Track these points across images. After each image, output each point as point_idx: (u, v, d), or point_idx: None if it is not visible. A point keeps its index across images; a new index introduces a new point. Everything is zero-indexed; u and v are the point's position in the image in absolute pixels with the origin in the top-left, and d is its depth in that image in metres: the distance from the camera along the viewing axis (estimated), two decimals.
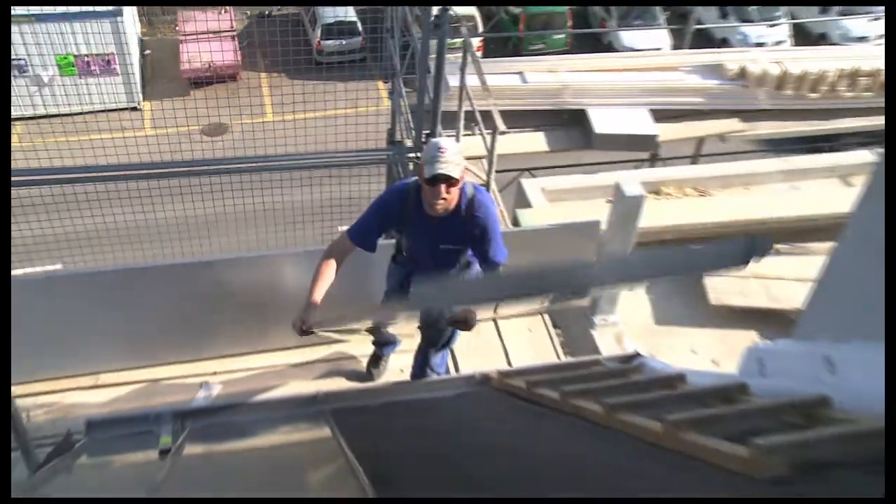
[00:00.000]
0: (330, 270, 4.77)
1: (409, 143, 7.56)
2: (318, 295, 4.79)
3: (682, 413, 2.97)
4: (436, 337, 5.60)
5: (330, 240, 5.24)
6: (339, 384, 6.15)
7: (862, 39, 22.35)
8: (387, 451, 3.75)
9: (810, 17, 24.41)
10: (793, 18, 24.22)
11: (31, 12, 16.84)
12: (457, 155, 4.52)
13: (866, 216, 3.92)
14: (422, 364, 5.75)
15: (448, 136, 7.40)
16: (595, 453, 2.93)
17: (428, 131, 7.02)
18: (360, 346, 6.37)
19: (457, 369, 6.20)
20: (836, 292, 4.18)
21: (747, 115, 16.03)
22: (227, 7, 23.35)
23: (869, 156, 12.19)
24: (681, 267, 1.92)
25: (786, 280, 10.08)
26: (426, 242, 4.98)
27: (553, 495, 2.89)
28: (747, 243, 1.80)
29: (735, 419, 2.99)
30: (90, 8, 19.34)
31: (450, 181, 4.51)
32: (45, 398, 6.33)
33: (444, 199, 4.56)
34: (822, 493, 2.15)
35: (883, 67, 15.92)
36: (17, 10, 17.43)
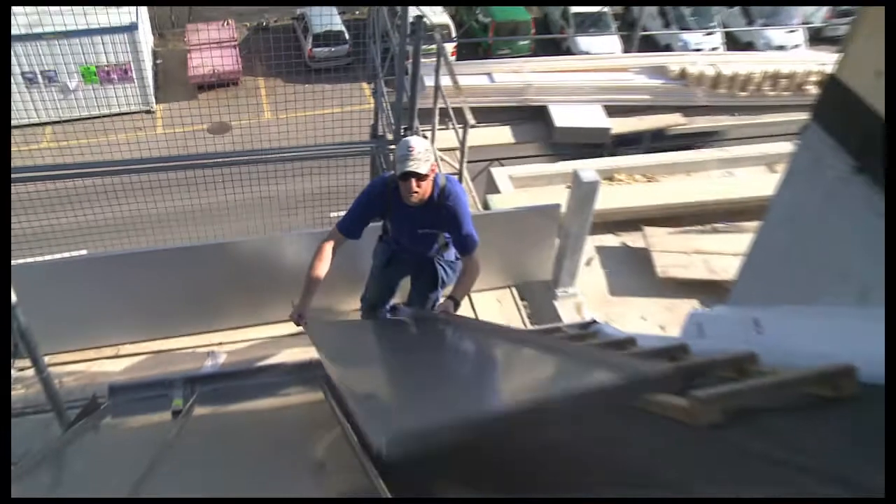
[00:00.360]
0: (324, 265, 4.77)
1: (389, 136, 7.55)
2: (312, 291, 4.81)
3: None
4: (423, 302, 5.60)
5: (321, 224, 5.25)
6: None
7: (781, 48, 22.99)
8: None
9: (739, 27, 24.91)
10: (725, 27, 24.65)
11: (57, 29, 16.80)
12: (426, 152, 4.51)
13: (785, 198, 3.96)
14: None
15: (424, 130, 7.39)
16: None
17: (406, 125, 7.01)
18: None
19: None
20: (761, 264, 4.22)
21: (687, 110, 16.25)
22: (229, 20, 23.26)
23: (790, 146, 12.28)
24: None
25: (723, 254, 10.14)
26: (406, 227, 4.99)
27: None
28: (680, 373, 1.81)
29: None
30: (110, 24, 19.31)
31: (419, 177, 4.50)
32: (73, 367, 6.32)
33: (416, 192, 4.56)
34: (750, 435, 2.16)
35: (798, 70, 16.33)
36: (47, 28, 17.40)
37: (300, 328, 4.82)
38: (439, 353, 4.00)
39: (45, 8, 16.21)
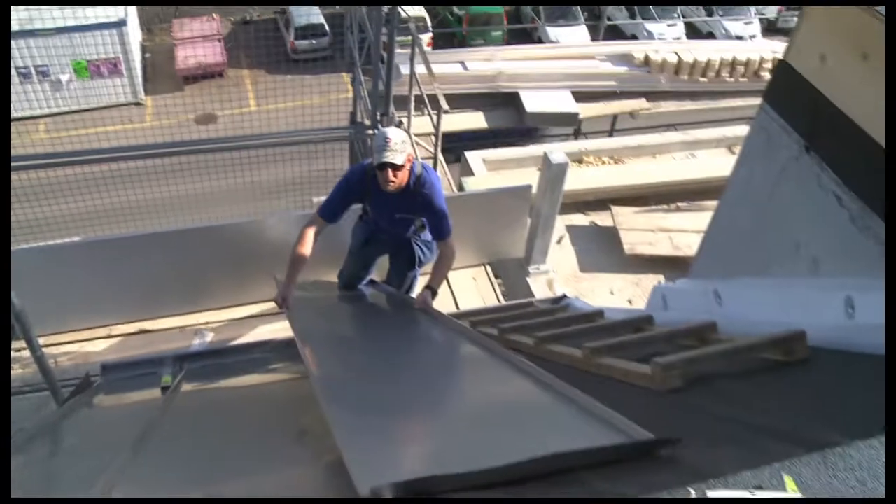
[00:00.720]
0: (306, 250, 4.74)
1: (367, 122, 7.51)
2: (295, 275, 4.78)
3: (598, 341, 2.99)
4: (397, 287, 5.59)
5: (302, 208, 5.21)
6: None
7: (739, 38, 23.21)
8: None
9: (700, 17, 25.13)
10: (686, 18, 24.85)
11: (48, 26, 16.64)
12: (402, 143, 4.48)
13: (741, 177, 3.98)
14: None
15: (401, 116, 7.34)
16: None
17: (382, 112, 6.97)
18: None
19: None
20: (720, 239, 4.24)
21: (652, 95, 16.31)
22: (214, 14, 23.06)
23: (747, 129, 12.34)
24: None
25: (686, 231, 10.21)
26: (385, 212, 4.97)
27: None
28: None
29: (641, 344, 3.02)
30: (99, 19, 19.17)
31: (396, 167, 4.48)
32: (68, 347, 6.27)
33: (393, 181, 4.54)
34: (708, 399, 2.17)
35: (754, 58, 16.50)
36: (38, 25, 17.21)
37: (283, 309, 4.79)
38: (419, 363, 3.92)
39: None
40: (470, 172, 10.90)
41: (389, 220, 5.01)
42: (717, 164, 11.23)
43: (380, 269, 5.71)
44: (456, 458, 1.99)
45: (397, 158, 4.43)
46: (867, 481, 1.23)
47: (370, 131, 7.26)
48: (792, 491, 1.17)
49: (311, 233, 4.75)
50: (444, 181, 8.19)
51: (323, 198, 4.95)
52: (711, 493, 1.07)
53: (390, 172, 4.48)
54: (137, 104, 20.86)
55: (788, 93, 3.41)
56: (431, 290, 4.75)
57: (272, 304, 5.06)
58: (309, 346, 3.67)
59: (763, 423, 1.79)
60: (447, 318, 4.36)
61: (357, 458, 1.93)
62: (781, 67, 3.45)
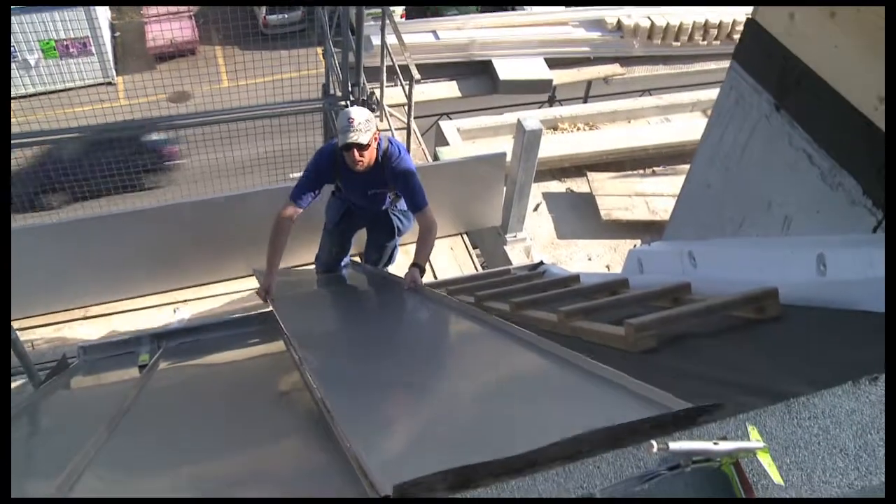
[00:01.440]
0: (283, 237, 4.70)
1: (339, 93, 7.46)
2: (275, 265, 4.73)
3: (573, 305, 3.00)
4: (376, 261, 5.57)
5: (276, 181, 5.18)
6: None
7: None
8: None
9: None
10: None
11: (12, 5, 16.31)
12: (366, 122, 4.44)
13: (713, 137, 4.00)
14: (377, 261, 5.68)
15: (373, 87, 7.28)
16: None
17: (354, 83, 6.92)
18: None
19: None
20: (693, 200, 4.27)
21: (625, 60, 16.29)
22: None
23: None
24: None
25: (663, 196, 10.24)
26: (357, 189, 4.94)
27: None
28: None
29: (615, 307, 3.03)
30: None
31: (361, 147, 4.45)
32: (44, 330, 6.24)
33: (360, 161, 4.53)
34: (682, 357, 2.19)
35: (728, 21, 16.49)
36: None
37: (263, 286, 4.75)
38: (422, 347, 3.68)
39: None
40: (444, 142, 10.85)
41: (363, 196, 4.98)
42: (692, 127, 11.23)
43: (358, 242, 5.69)
44: (486, 443, 1.81)
45: (362, 138, 4.39)
46: (830, 428, 1.25)
47: (342, 103, 7.22)
48: (756, 440, 1.19)
49: (286, 220, 4.69)
50: (418, 152, 8.18)
51: (299, 174, 4.92)
52: (674, 445, 1.08)
53: (356, 153, 4.46)
54: (109, 84, 20.55)
55: (758, 52, 3.41)
56: (418, 266, 4.63)
57: (250, 281, 5.05)
58: (299, 339, 3.59)
59: (733, 379, 1.81)
60: (441, 295, 4.28)
61: (373, 456, 1.81)
62: (750, 27, 3.45)
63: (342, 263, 5.69)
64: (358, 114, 4.43)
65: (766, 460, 1.17)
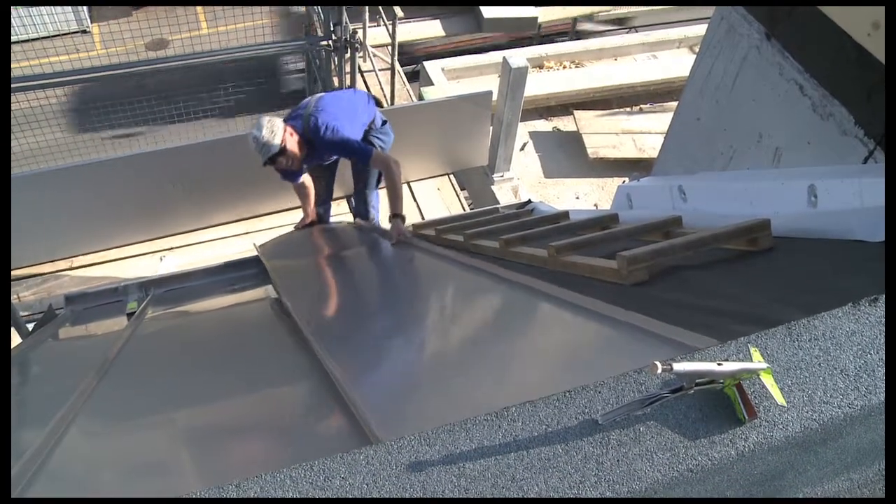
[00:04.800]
0: (305, 191, 5.35)
1: (320, 33, 7.34)
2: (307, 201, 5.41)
3: (564, 240, 2.99)
4: (367, 180, 5.51)
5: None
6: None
7: None
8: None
9: None
10: None
11: None
12: (270, 132, 4.51)
13: (703, 69, 3.97)
14: (364, 203, 5.64)
15: (355, 27, 7.14)
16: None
17: (335, 22, 6.80)
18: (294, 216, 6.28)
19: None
20: (683, 134, 4.25)
21: None
22: None
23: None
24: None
25: (650, 133, 10.22)
26: (313, 164, 5.15)
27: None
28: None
29: (607, 241, 3.03)
30: None
31: (276, 156, 4.56)
32: (29, 281, 6.21)
33: (288, 165, 4.70)
34: (673, 289, 2.20)
35: None
36: None
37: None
38: (429, 305, 3.42)
39: None
40: (429, 82, 10.76)
41: (323, 165, 5.29)
42: (679, 64, 11.19)
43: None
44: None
45: (272, 150, 4.52)
46: (830, 350, 1.26)
47: (324, 43, 7.11)
48: (758, 362, 1.20)
49: (299, 186, 5.28)
50: (402, 92, 8.09)
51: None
52: (678, 366, 1.08)
53: (281, 161, 4.64)
54: (84, 32, 20.12)
55: None
56: (398, 216, 4.67)
57: (235, 227, 5.14)
58: (289, 293, 3.58)
59: (730, 309, 1.82)
60: (433, 246, 4.21)
61: (372, 402, 1.78)
62: None
63: (326, 207, 5.71)
64: (258, 131, 4.55)
65: (768, 381, 1.18)
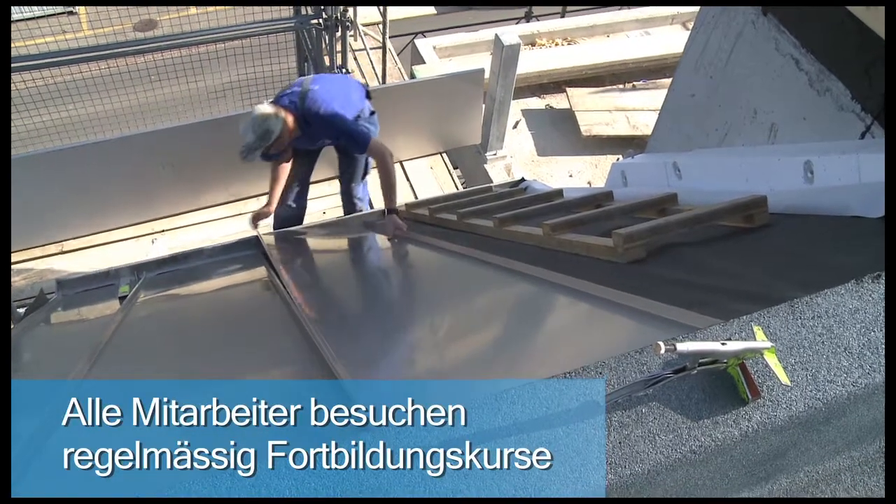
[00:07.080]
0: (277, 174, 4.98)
1: (310, 11, 7.26)
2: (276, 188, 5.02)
3: (559, 219, 2.98)
4: (353, 173, 5.41)
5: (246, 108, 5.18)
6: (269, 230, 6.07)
7: None
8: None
9: None
10: None
11: None
12: (258, 127, 4.32)
13: (697, 45, 3.94)
14: (349, 198, 5.54)
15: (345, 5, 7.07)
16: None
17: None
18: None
19: (372, 206, 6.10)
20: (677, 110, 4.23)
21: None
22: None
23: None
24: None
25: (643, 110, 10.19)
26: (304, 147, 4.89)
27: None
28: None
29: (602, 219, 3.01)
30: None
31: (270, 147, 4.40)
32: (19, 266, 6.17)
33: (284, 151, 4.61)
34: (669, 266, 2.19)
35: None
36: None
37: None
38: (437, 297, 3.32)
39: None
40: (421, 60, 10.70)
41: (314, 150, 5.06)
42: (672, 40, 11.12)
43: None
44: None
45: (262, 144, 4.35)
46: (833, 328, 1.25)
47: (314, 21, 7.05)
48: (762, 341, 1.18)
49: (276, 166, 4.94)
50: (394, 71, 8.04)
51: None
52: (682, 346, 1.07)
53: (276, 149, 4.49)
54: (70, 13, 19.94)
55: None
56: (393, 210, 4.42)
57: (227, 208, 5.08)
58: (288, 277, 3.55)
59: (729, 287, 1.81)
60: (431, 239, 4.14)
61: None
62: None
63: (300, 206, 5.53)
64: (244, 131, 4.38)
65: (772, 360, 1.17)
